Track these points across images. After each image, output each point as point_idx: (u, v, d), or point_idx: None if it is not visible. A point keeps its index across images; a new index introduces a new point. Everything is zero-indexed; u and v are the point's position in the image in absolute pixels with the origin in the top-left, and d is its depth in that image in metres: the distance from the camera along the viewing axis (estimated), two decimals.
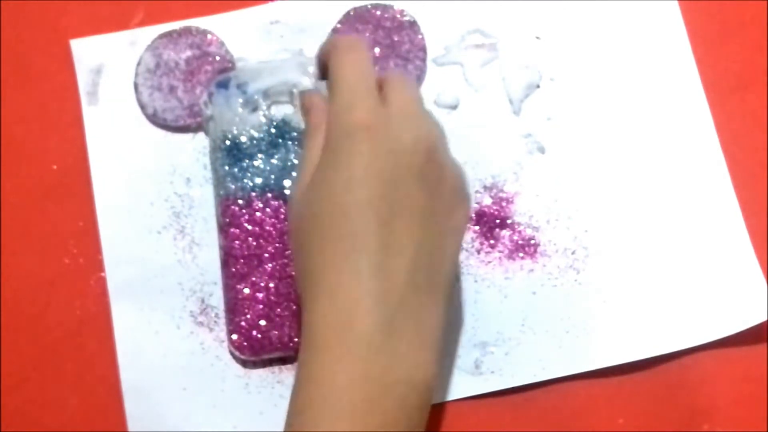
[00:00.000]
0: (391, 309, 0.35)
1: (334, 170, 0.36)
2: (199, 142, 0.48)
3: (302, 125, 0.46)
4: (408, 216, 0.36)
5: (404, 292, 0.35)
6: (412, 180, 0.36)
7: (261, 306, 0.45)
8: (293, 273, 0.45)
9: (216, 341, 0.45)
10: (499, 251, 0.46)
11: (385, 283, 0.35)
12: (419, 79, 0.48)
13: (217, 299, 0.46)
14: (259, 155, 0.46)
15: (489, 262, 0.46)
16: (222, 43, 0.48)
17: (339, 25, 0.48)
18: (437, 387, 0.44)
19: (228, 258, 0.45)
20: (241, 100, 0.47)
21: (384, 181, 0.36)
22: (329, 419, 0.34)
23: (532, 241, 0.46)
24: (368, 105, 0.37)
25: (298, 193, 0.38)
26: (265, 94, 0.47)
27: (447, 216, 0.38)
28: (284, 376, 0.45)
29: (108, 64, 0.49)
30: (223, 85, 0.47)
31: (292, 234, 0.39)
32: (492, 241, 0.46)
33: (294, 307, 0.44)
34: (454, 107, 0.48)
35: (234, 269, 0.45)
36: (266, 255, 0.45)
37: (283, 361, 0.45)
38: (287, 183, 0.46)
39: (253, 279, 0.45)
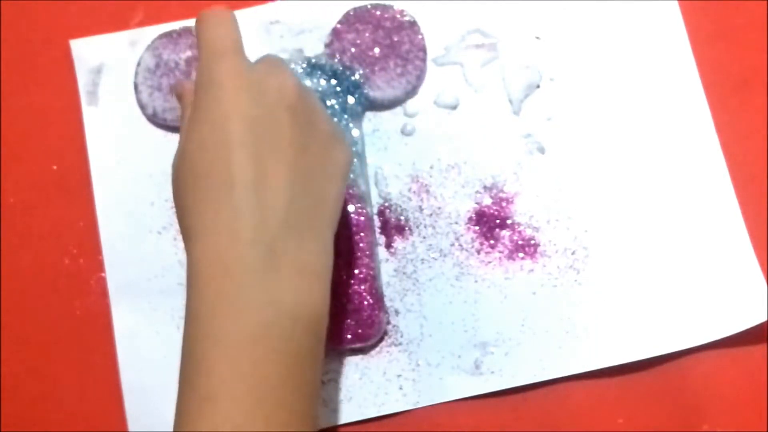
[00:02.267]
0: (270, 239, 0.35)
1: (204, 118, 0.37)
2: None
3: None
4: (281, 150, 0.36)
5: (282, 224, 0.36)
6: (283, 116, 0.37)
7: None
8: None
9: None
10: (499, 251, 0.46)
11: (262, 214, 0.35)
12: (419, 79, 0.48)
13: None
14: None
15: (489, 262, 0.46)
16: None
17: (339, 25, 0.48)
18: (437, 386, 0.45)
19: None
20: None
21: (253, 118, 0.36)
22: (217, 359, 0.34)
23: (532, 242, 0.46)
24: (231, 56, 0.37)
25: (175, 157, 0.38)
26: None
27: (323, 155, 0.38)
28: None
29: (108, 64, 0.49)
30: None
31: (173, 194, 0.38)
32: (492, 242, 0.46)
33: None
34: (454, 107, 0.48)
35: None
36: None
37: None
38: None
39: None
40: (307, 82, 0.47)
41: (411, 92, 0.48)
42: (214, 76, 0.37)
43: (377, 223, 0.47)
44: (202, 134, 0.36)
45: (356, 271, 0.45)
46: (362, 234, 0.45)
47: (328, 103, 0.46)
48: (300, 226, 0.36)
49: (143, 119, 0.48)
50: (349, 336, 0.44)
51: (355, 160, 0.46)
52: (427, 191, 0.47)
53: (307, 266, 0.36)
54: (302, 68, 0.47)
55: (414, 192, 0.47)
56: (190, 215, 0.36)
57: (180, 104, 0.41)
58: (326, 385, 0.45)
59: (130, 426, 0.45)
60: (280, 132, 0.37)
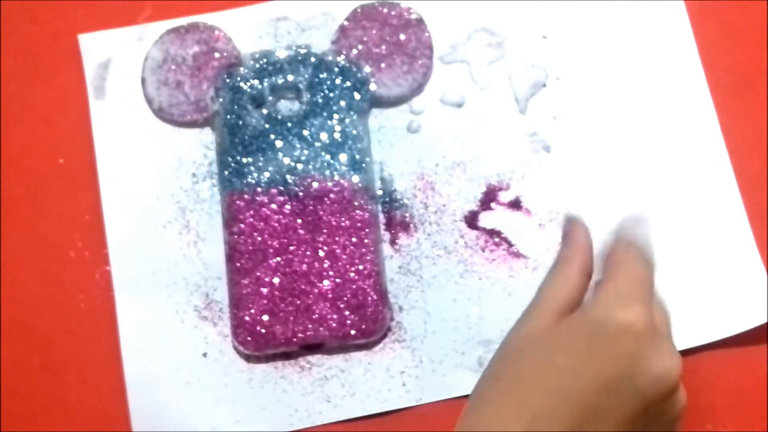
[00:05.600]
0: None
1: (561, 348, 0.35)
2: (205, 137, 0.48)
3: (307, 120, 0.46)
4: None
5: None
6: (620, 420, 0.34)
7: (265, 301, 0.45)
8: (297, 268, 0.45)
9: (220, 336, 0.46)
10: (504, 249, 0.46)
11: None
12: (425, 76, 0.48)
13: (222, 294, 0.46)
14: (265, 151, 0.46)
15: (493, 260, 0.46)
16: (229, 39, 0.48)
17: (346, 23, 0.48)
18: (440, 383, 0.45)
19: (233, 253, 0.45)
20: (247, 96, 0.47)
21: (587, 406, 0.34)
22: None
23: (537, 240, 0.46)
24: (645, 312, 0.35)
25: (523, 330, 0.37)
26: (272, 90, 0.47)
27: None
28: (287, 372, 0.45)
29: (115, 58, 0.49)
30: (230, 80, 0.47)
31: (498, 351, 0.38)
32: (496, 239, 0.46)
33: (298, 302, 0.45)
34: (460, 105, 0.48)
35: (238, 264, 0.45)
36: (271, 250, 0.45)
37: (286, 356, 0.45)
38: (292, 179, 0.46)
39: (258, 274, 0.45)
40: (314, 79, 0.47)
41: (417, 90, 0.48)
42: (615, 324, 0.34)
43: (382, 219, 0.47)
44: (545, 365, 0.35)
45: (360, 267, 0.45)
46: (367, 230, 0.45)
47: (334, 99, 0.47)
48: None
49: (150, 114, 0.48)
50: (352, 332, 0.44)
51: (362, 158, 0.46)
52: (432, 188, 0.47)
53: None
54: (309, 65, 0.47)
55: (419, 189, 0.47)
56: (478, 405, 0.36)
57: (561, 243, 0.40)
58: (329, 380, 0.45)
59: (134, 419, 0.45)
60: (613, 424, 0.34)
